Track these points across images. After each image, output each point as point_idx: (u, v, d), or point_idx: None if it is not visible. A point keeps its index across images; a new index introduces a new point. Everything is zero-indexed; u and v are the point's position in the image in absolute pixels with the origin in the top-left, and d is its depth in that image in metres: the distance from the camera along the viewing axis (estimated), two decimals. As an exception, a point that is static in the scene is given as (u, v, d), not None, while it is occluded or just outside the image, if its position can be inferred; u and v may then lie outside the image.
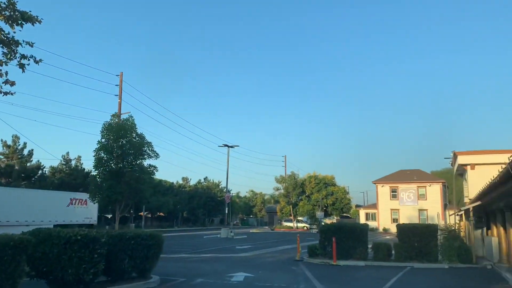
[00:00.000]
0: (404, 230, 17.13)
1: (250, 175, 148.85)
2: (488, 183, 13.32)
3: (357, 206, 76.53)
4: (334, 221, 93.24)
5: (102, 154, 21.66)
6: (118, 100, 34.43)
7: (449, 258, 15.89)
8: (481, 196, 15.66)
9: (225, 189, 78.96)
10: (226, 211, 39.94)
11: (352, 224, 18.06)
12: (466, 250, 16.35)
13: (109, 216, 57.45)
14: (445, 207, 58.76)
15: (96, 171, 22.06)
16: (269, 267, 15.79)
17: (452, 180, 75.36)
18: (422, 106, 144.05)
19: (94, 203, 25.49)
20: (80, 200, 35.90)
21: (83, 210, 36.25)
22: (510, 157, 9.77)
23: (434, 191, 58.56)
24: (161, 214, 68.07)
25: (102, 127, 21.86)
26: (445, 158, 37.97)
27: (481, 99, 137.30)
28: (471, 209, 18.36)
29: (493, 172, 38.08)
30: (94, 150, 21.55)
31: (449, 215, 50.46)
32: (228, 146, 41.06)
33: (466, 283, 12.88)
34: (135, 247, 10.83)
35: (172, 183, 68.38)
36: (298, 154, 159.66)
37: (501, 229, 16.08)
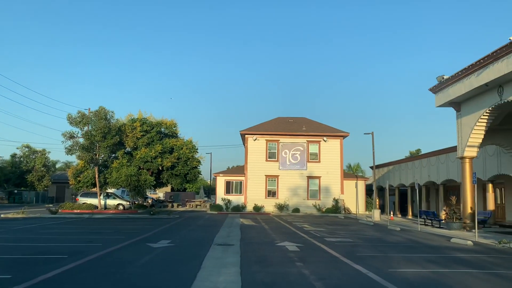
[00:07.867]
0: None
1: (28, 128, 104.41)
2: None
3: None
4: (160, 195, 66.07)
5: None
6: None
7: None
8: None
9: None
10: None
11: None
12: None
13: None
14: (344, 175, 39.15)
15: None
16: None
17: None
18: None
19: None
20: None
21: None
22: None
23: (332, 149, 38.29)
24: None
25: None
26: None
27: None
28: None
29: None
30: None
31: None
32: None
33: None
34: None
35: None
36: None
37: None
